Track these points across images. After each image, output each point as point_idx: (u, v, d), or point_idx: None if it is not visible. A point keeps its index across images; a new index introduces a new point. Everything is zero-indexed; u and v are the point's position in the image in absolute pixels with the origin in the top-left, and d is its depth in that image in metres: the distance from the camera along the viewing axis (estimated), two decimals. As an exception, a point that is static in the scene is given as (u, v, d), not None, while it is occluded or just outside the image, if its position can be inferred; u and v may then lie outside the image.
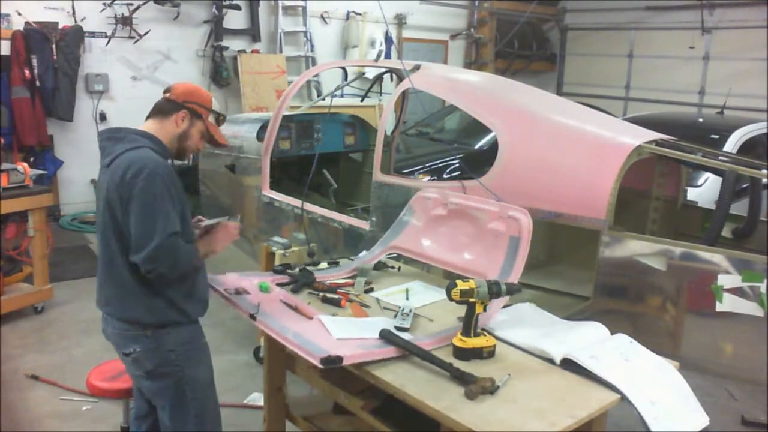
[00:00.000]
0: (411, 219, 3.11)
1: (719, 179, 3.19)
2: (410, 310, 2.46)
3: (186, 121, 2.34)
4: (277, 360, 2.90)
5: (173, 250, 2.14)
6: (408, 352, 2.15)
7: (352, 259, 3.10)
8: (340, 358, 2.06)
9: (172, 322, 2.28)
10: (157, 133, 2.32)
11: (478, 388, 1.94)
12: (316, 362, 2.05)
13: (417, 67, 3.76)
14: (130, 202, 2.13)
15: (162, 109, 2.35)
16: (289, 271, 2.86)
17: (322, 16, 9.12)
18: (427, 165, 5.49)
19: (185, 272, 2.25)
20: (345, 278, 2.89)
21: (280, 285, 2.75)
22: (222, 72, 8.08)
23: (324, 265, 3.05)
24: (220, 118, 2.45)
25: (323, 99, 5.88)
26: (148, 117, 2.37)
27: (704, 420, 2.05)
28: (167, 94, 2.37)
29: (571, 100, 4.08)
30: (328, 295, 2.65)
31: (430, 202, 3.06)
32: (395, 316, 2.43)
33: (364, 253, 3.13)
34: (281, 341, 2.29)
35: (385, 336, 2.21)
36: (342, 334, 2.26)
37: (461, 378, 2.01)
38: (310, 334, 2.26)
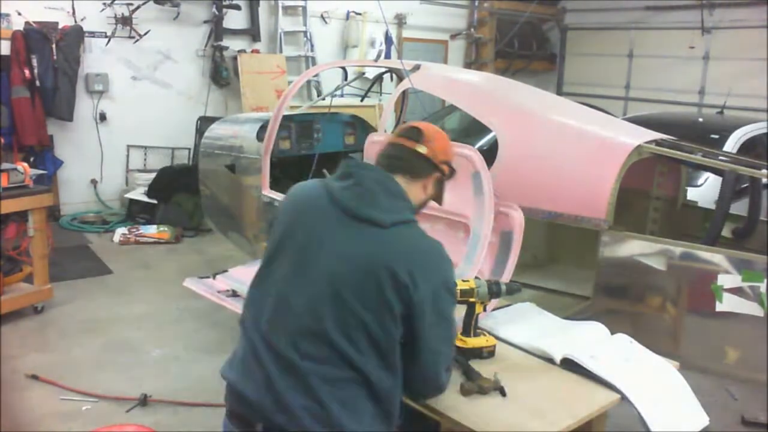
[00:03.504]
0: None
1: (719, 179, 3.19)
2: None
3: (433, 186, 1.83)
4: (277, 360, 2.90)
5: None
6: None
7: None
8: None
9: None
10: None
11: (473, 386, 1.95)
12: None
13: (417, 67, 3.76)
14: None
15: (414, 168, 1.79)
16: None
17: (322, 16, 9.10)
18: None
19: None
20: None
21: None
22: (222, 72, 8.07)
23: None
24: (455, 172, 1.91)
25: (323, 99, 5.88)
26: (393, 171, 1.78)
27: (704, 420, 2.06)
28: (419, 147, 1.79)
29: (571, 100, 4.08)
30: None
31: None
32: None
33: None
34: None
35: None
36: None
37: (468, 375, 2.02)
38: None
